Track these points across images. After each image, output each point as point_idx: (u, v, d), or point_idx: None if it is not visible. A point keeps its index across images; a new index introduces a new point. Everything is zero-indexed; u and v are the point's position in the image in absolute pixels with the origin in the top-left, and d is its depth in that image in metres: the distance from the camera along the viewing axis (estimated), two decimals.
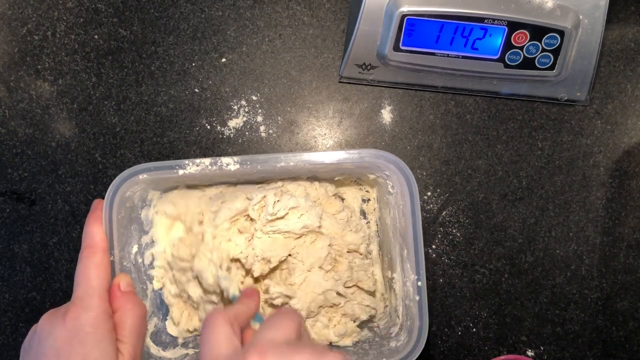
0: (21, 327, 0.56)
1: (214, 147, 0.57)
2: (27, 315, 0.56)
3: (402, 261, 0.49)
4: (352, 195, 0.56)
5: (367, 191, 0.56)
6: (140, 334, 0.44)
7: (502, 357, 0.54)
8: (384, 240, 0.54)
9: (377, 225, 0.56)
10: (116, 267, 0.47)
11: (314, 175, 0.53)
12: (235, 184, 0.54)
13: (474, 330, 0.57)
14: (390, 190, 0.50)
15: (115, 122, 0.57)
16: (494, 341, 0.57)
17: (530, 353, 0.57)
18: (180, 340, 0.54)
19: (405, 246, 0.47)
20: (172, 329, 0.53)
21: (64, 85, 0.57)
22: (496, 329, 0.57)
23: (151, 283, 0.53)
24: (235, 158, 0.47)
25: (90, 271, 0.43)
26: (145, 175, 0.47)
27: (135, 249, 0.51)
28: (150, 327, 0.52)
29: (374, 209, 0.56)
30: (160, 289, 0.53)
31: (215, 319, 0.38)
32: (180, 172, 0.47)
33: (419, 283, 0.47)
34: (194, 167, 0.47)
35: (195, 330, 0.54)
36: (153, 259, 0.53)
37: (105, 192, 0.55)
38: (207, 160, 0.47)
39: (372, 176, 0.52)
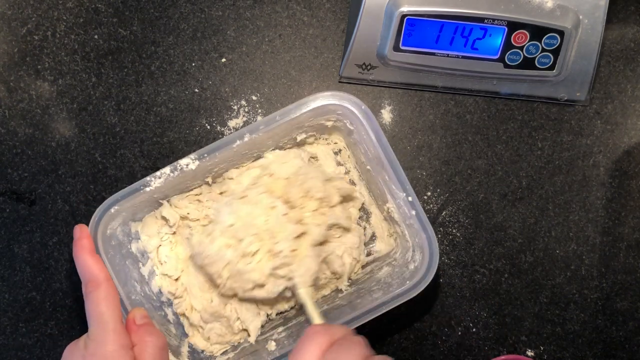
0: (21, 327, 0.56)
1: None
2: (27, 315, 0.56)
3: (388, 187, 0.49)
4: (323, 152, 0.56)
5: (335, 143, 0.56)
6: None
7: (502, 357, 0.54)
8: (368, 179, 0.54)
9: (357, 170, 0.56)
10: (125, 304, 0.47)
11: (278, 146, 0.53)
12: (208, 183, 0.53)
13: (474, 330, 0.57)
14: (350, 127, 0.50)
15: (115, 122, 0.57)
16: (493, 341, 0.57)
17: (530, 353, 0.57)
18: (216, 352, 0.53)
19: (385, 170, 0.48)
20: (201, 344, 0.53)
21: (64, 85, 0.57)
22: (496, 329, 0.57)
23: (169, 308, 0.52)
24: (192, 155, 0.48)
25: (100, 306, 0.43)
26: (117, 207, 0.47)
27: (138, 281, 0.51)
28: (185, 349, 0.51)
29: (348, 156, 0.56)
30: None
31: (317, 336, 0.39)
32: (147, 189, 0.47)
33: (410, 198, 0.47)
34: (157, 180, 0.48)
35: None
36: (161, 287, 0.53)
37: (105, 192, 0.56)
38: (167, 169, 0.48)
39: (329, 123, 0.52)
